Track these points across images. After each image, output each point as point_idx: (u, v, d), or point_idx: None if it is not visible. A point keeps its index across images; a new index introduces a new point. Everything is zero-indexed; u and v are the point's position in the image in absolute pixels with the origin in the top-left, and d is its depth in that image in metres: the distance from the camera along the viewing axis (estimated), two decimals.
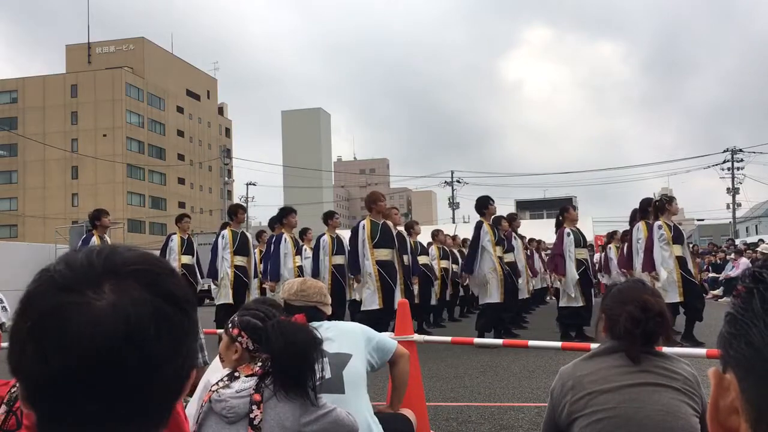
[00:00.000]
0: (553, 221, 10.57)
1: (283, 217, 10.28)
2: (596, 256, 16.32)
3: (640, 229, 8.80)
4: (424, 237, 13.12)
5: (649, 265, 8.40)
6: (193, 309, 0.77)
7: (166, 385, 0.74)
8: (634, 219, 9.38)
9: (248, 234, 10.33)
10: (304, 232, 12.05)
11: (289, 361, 2.32)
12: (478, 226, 9.38)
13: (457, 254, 13.59)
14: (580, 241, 9.48)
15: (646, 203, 9.06)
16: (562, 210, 9.79)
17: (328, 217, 10.51)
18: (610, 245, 14.42)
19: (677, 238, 8.51)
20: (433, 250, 12.69)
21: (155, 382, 0.72)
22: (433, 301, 11.83)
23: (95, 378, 0.69)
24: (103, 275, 0.73)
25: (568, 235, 9.38)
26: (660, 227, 8.47)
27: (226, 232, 9.76)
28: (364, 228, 8.59)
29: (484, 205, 9.51)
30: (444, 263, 12.78)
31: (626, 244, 10.34)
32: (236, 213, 9.77)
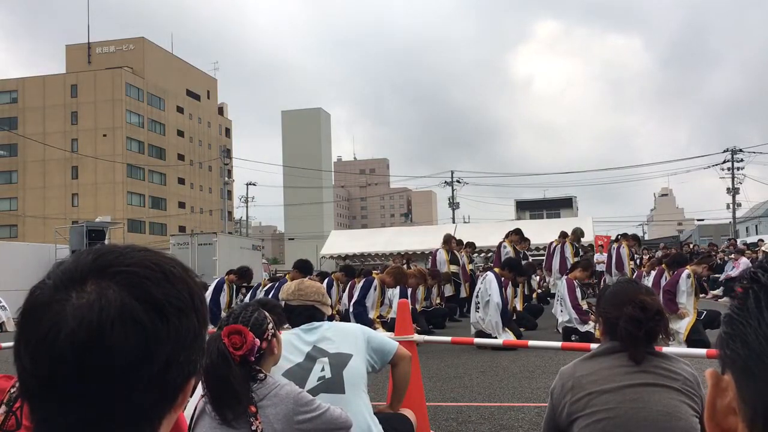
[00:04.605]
0: (553, 221, 10.60)
1: None
2: (597, 256, 16.31)
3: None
4: (427, 237, 13.29)
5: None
6: (180, 317, 0.74)
7: (143, 391, 0.71)
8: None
9: None
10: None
11: (206, 379, 2.28)
12: None
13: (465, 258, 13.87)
14: None
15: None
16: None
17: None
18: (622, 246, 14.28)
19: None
20: (442, 254, 13.03)
21: (125, 386, 0.70)
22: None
23: (63, 377, 0.69)
24: (89, 275, 0.73)
25: None
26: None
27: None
28: None
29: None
30: (454, 267, 13.06)
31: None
32: None
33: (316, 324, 2.98)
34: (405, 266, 12.69)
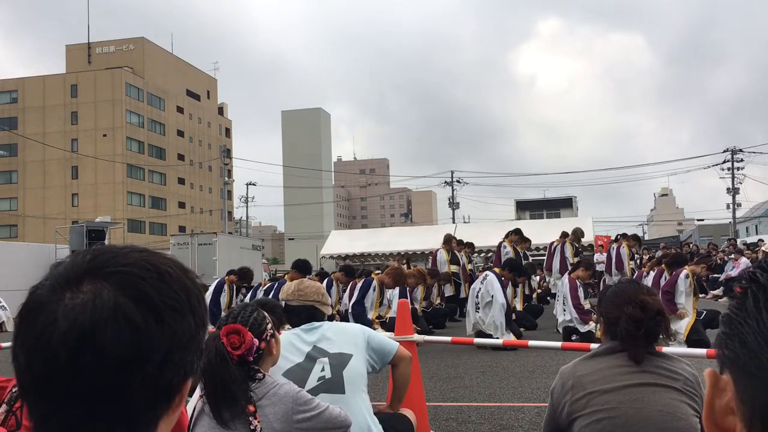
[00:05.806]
0: (553, 221, 10.59)
1: None
2: (596, 256, 16.31)
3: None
4: (427, 237, 13.28)
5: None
6: (175, 317, 0.74)
7: (139, 391, 0.71)
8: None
9: None
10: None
11: (204, 379, 2.28)
12: None
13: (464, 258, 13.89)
14: None
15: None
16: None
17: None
18: (622, 246, 14.25)
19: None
20: (443, 254, 13.07)
21: (120, 386, 0.70)
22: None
23: (58, 376, 0.69)
24: (85, 275, 0.73)
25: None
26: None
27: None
28: None
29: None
30: (454, 267, 13.08)
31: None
32: None
33: (316, 324, 2.98)
34: (405, 266, 12.71)
